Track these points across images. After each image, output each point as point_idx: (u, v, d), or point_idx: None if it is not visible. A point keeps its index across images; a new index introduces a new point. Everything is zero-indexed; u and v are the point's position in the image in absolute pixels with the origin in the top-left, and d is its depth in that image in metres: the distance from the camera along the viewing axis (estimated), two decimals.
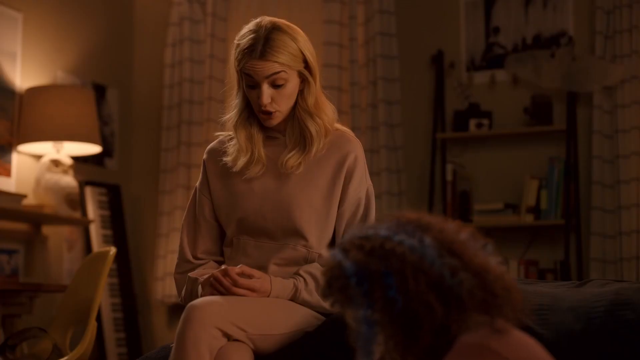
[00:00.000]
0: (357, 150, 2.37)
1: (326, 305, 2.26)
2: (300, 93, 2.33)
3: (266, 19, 2.30)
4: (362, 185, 2.37)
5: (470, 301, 1.28)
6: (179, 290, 2.42)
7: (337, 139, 2.37)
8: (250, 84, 2.28)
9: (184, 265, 2.43)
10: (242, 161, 2.33)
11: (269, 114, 2.29)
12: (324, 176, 2.34)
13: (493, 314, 1.29)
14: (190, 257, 2.42)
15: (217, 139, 2.47)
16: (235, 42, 2.32)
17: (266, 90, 2.26)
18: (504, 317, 1.30)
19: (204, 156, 2.46)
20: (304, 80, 2.32)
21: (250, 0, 5.26)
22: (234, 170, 2.35)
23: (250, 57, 2.25)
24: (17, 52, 4.55)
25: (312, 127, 2.32)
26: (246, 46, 2.26)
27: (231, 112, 2.38)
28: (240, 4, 5.28)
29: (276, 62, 2.24)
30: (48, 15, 4.80)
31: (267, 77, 2.25)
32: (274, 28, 2.27)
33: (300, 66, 2.29)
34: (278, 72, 2.25)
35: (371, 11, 4.98)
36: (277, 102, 2.28)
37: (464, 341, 1.26)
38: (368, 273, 1.30)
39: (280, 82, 2.26)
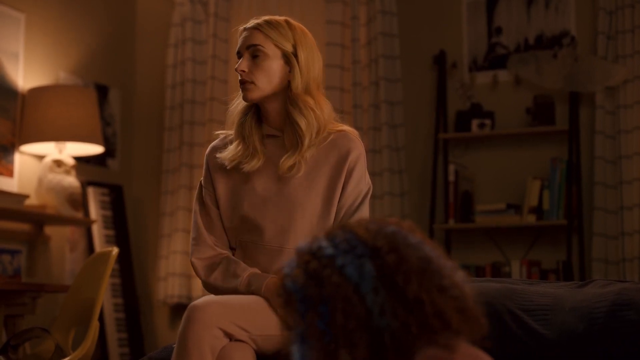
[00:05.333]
0: (358, 149, 2.37)
1: None
2: (288, 84, 2.34)
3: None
4: (361, 183, 2.37)
5: (408, 336, 1.22)
6: (201, 275, 2.37)
7: (339, 138, 2.37)
8: (238, 56, 2.35)
9: (206, 251, 2.37)
10: (238, 152, 2.34)
11: (244, 83, 2.32)
12: (325, 177, 2.34)
13: (436, 339, 1.24)
14: (211, 242, 2.38)
15: (219, 137, 2.47)
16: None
17: (245, 58, 2.33)
18: (454, 336, 1.25)
19: (207, 153, 2.46)
20: (290, 70, 2.33)
21: (252, 1, 5.26)
22: (228, 165, 2.35)
23: (243, 30, 2.36)
24: (20, 53, 4.55)
25: (302, 122, 2.31)
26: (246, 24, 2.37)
27: (235, 102, 2.43)
28: (242, 4, 5.28)
29: (261, 31, 2.32)
30: (50, 16, 4.80)
31: (248, 47, 2.32)
32: (281, 19, 2.36)
33: (287, 49, 2.32)
34: (257, 45, 2.31)
35: (373, 12, 4.98)
36: (254, 73, 2.32)
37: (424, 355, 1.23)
38: (307, 296, 1.26)
39: (258, 53, 2.32)
